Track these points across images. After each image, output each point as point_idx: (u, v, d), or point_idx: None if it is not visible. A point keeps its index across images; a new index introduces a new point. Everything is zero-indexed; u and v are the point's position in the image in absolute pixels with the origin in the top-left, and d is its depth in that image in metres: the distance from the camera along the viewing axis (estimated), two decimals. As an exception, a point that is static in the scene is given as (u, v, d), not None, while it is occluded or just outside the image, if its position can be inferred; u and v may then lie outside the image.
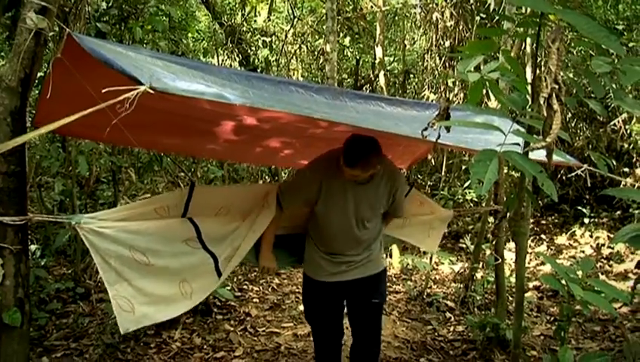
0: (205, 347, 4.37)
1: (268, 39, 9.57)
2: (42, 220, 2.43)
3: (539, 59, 2.13)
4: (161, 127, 2.99)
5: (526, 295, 5.49)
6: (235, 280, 5.97)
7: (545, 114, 1.43)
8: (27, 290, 2.32)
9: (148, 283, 2.55)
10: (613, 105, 7.69)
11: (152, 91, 1.59)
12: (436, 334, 4.96)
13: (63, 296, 4.99)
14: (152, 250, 2.57)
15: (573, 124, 9.18)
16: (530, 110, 1.82)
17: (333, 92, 2.56)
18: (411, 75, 10.36)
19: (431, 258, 6.46)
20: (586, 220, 8.41)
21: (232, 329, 4.72)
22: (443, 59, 8.51)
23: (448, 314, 5.45)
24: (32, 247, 5.23)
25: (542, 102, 1.44)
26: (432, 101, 8.37)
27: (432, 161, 8.88)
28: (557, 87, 1.38)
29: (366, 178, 2.92)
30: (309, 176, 3.04)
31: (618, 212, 8.49)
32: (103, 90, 1.58)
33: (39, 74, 3.07)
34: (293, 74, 11.05)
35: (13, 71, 2.18)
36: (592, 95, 5.49)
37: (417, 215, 4.00)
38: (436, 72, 8.62)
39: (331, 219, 3.02)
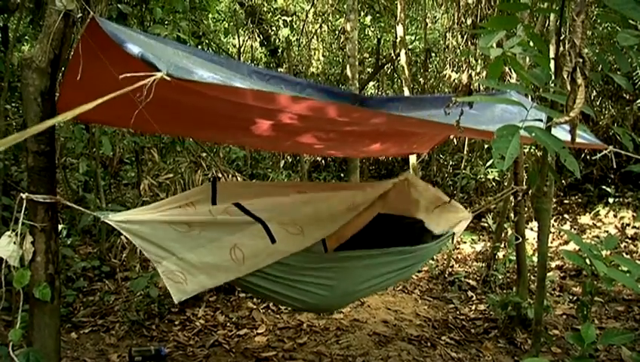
0: (228, 324, 4.44)
1: (288, 19, 9.53)
2: (69, 206, 2.47)
3: (562, 35, 2.10)
4: (196, 120, 3.01)
5: (548, 274, 5.47)
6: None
7: (568, 89, 1.42)
8: (57, 267, 2.38)
9: (196, 254, 2.58)
10: (640, 83, 7.54)
11: (168, 78, 1.59)
12: (458, 312, 4.98)
13: (89, 274, 5.10)
14: (191, 221, 2.59)
15: (598, 102, 9.01)
16: (552, 85, 1.80)
17: (353, 99, 2.55)
18: (433, 54, 10.25)
19: (453, 237, 6.43)
20: (611, 200, 8.26)
21: (254, 307, 4.79)
22: (465, 37, 8.40)
23: (470, 293, 5.46)
24: (59, 227, 5.35)
25: (565, 77, 1.42)
26: (453, 80, 8.31)
27: (455, 140, 8.82)
28: (581, 60, 1.37)
29: None
30: None
31: (643, 192, 8.36)
32: (120, 77, 1.59)
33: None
34: (314, 53, 11.01)
35: (43, 52, 2.21)
36: (619, 72, 5.40)
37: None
38: (458, 51, 8.52)
39: None
